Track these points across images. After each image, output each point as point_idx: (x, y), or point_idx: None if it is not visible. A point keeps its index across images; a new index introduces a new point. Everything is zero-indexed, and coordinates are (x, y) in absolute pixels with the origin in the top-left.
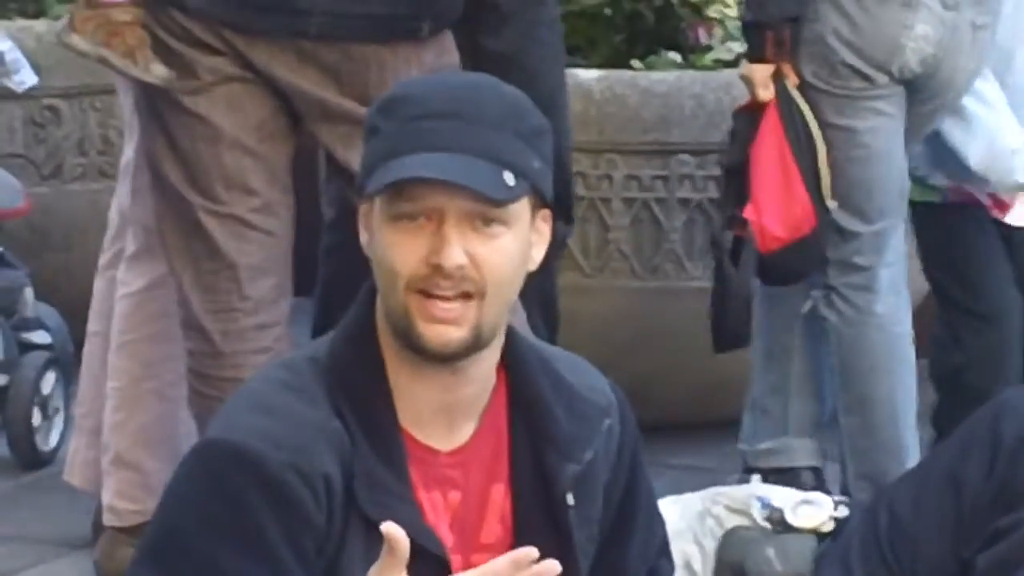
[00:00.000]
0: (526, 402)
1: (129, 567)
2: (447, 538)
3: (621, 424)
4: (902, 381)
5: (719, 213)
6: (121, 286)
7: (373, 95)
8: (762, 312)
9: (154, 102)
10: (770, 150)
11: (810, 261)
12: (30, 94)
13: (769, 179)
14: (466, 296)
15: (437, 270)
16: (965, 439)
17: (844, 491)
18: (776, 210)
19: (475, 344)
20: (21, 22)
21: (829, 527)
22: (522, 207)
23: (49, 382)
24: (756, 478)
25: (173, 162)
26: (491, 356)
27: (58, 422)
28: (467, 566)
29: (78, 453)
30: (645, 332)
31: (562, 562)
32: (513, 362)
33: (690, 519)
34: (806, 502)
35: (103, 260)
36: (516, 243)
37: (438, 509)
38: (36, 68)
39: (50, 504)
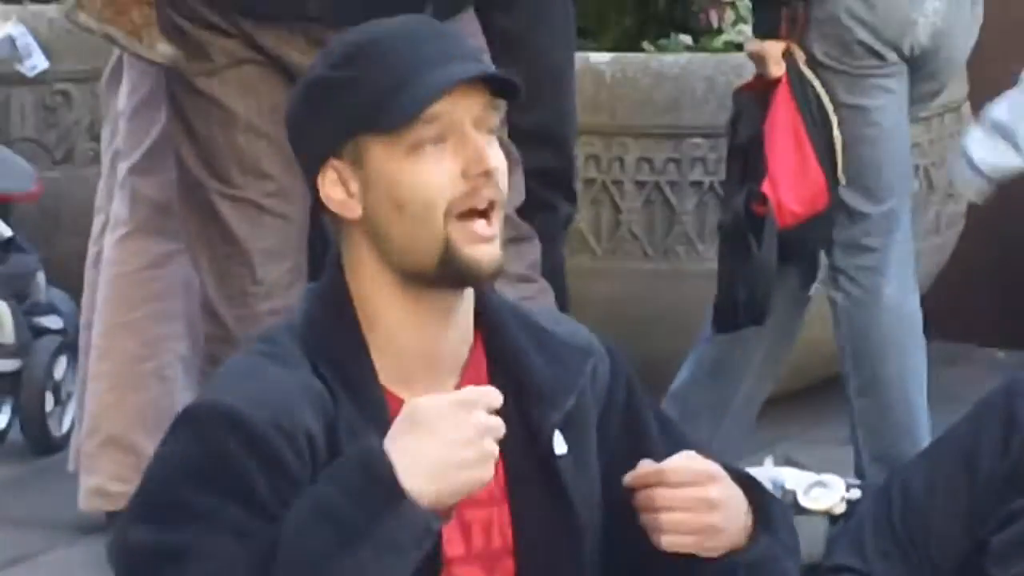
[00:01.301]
0: (503, 354)
1: (120, 527)
2: None
3: (612, 367)
4: (913, 361)
5: (727, 192)
6: (115, 264)
7: None
8: None
9: (170, 85)
10: (784, 127)
11: (823, 237)
12: (41, 79)
13: (784, 155)
14: (492, 206)
15: (482, 176)
16: (978, 418)
17: (858, 474)
18: (792, 186)
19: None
20: (33, 7)
21: (841, 509)
22: None
23: (61, 367)
24: (768, 460)
25: (189, 145)
26: (467, 313)
27: (70, 407)
28: (460, 522)
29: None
30: (657, 314)
31: (558, 512)
32: (487, 315)
33: None
34: (818, 484)
35: (93, 252)
36: None
37: None
38: (47, 53)
39: (63, 489)
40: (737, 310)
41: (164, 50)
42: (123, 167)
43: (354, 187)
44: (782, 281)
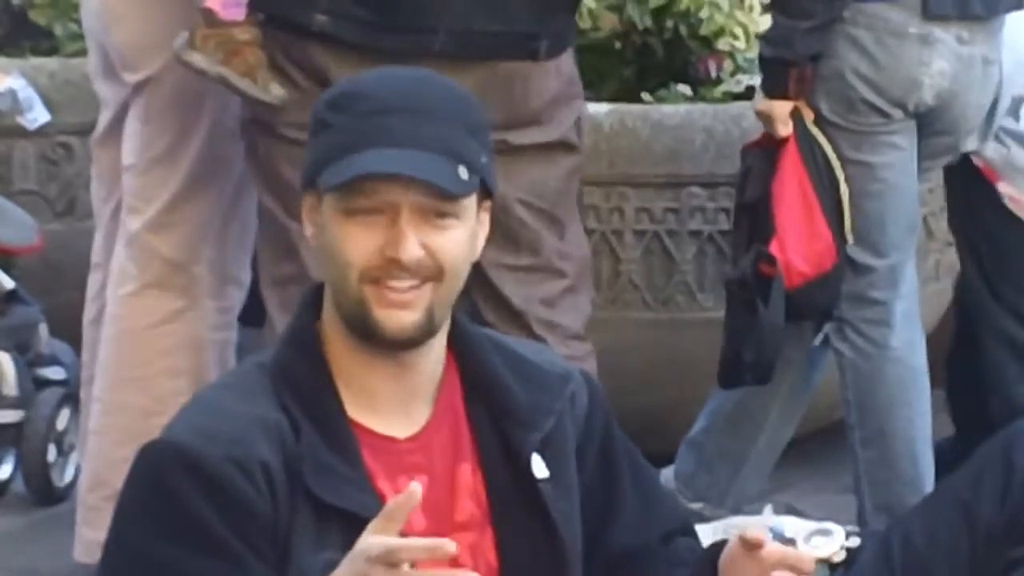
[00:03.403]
0: (479, 379)
1: None
2: (419, 522)
3: (590, 398)
4: (918, 413)
5: (735, 250)
6: (123, 320)
7: (516, 111)
8: None
9: (251, 130)
10: (791, 186)
11: (832, 296)
12: (43, 131)
13: (792, 215)
14: (423, 279)
15: (393, 263)
16: (977, 468)
17: (861, 522)
18: (800, 246)
19: (428, 328)
20: (34, 60)
21: (841, 557)
22: (471, 200)
23: (64, 418)
24: (768, 508)
25: (270, 191)
26: (438, 344)
27: (73, 458)
28: None
29: None
30: (657, 363)
31: (542, 535)
32: (462, 343)
33: None
34: (819, 532)
35: (93, 310)
36: (466, 234)
37: None
38: (49, 105)
39: (65, 540)
40: (743, 369)
41: (277, 91)
42: (134, 223)
43: (313, 225)
44: (798, 333)
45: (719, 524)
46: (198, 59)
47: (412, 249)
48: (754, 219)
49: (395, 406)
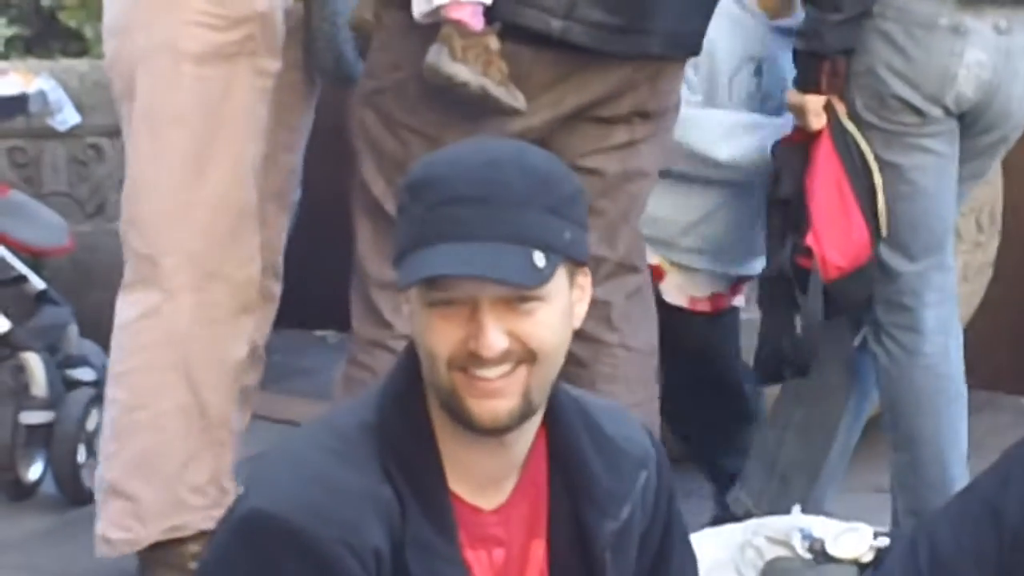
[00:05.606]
0: (565, 457)
1: None
2: None
3: (658, 473)
4: (949, 421)
5: (769, 247)
6: (116, 316)
7: (648, 106)
8: (814, 376)
9: (367, 114)
10: (827, 180)
11: (864, 290)
12: (73, 133)
13: (828, 208)
14: (515, 363)
15: (476, 357)
16: (1004, 469)
17: (894, 523)
18: (836, 239)
19: (526, 411)
20: (64, 61)
21: (869, 557)
22: (557, 280)
23: (94, 419)
24: (796, 508)
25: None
26: (538, 418)
27: None
28: None
29: None
30: None
31: None
32: (553, 416)
33: (731, 550)
34: (847, 532)
35: None
36: (556, 313)
37: (483, 567)
38: (79, 107)
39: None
40: (783, 363)
41: (522, 98)
42: (121, 219)
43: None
44: (838, 333)
45: (749, 524)
46: (463, 71)
47: (494, 344)
48: (787, 215)
49: (489, 480)
